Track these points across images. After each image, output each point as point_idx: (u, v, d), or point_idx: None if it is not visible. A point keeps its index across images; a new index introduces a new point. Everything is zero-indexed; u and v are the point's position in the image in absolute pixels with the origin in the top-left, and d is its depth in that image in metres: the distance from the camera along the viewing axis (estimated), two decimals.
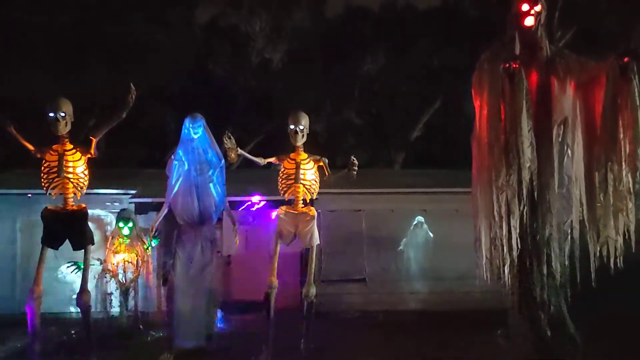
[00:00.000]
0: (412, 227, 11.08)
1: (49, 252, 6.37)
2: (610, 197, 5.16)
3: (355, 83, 21.80)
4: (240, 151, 7.00)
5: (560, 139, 5.72)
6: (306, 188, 6.99)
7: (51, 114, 6.16)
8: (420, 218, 11.05)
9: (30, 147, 6.27)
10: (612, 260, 5.24)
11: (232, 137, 6.87)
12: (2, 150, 15.42)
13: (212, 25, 22.31)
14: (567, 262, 5.64)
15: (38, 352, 6.18)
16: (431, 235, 11.00)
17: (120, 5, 18.53)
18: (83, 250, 6.44)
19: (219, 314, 9.30)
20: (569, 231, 5.61)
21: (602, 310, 7.83)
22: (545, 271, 5.62)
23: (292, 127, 6.93)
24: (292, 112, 7.07)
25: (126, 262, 8.77)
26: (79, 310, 6.47)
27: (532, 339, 5.74)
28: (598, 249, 5.26)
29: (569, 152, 5.62)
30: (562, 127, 5.74)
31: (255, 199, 10.17)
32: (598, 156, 5.22)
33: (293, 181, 6.96)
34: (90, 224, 6.66)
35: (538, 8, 5.75)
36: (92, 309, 6.63)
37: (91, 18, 17.73)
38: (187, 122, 6.95)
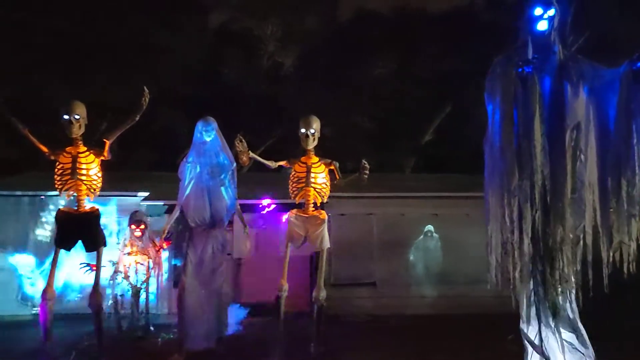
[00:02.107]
0: (421, 236, 11.03)
1: None
2: (624, 203, 5.13)
3: (366, 87, 21.80)
4: (251, 154, 7.03)
5: (573, 144, 5.69)
6: (317, 191, 7.01)
7: (65, 117, 6.24)
8: (430, 227, 11.00)
9: (44, 149, 6.35)
10: (625, 265, 5.20)
11: (243, 140, 6.91)
12: (16, 152, 15.58)
13: (224, 29, 22.40)
14: (579, 268, 5.59)
15: (50, 352, 6.23)
16: (439, 243, 10.96)
17: (133, 9, 18.67)
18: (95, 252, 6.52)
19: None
20: (582, 236, 5.56)
21: (615, 316, 7.78)
22: (557, 276, 5.59)
23: (303, 130, 6.95)
24: (304, 115, 7.09)
25: (138, 264, 8.82)
26: (91, 311, 6.51)
27: (543, 345, 5.70)
28: (611, 254, 5.22)
29: (582, 157, 5.58)
30: (574, 132, 5.71)
31: (265, 202, 10.19)
32: (611, 161, 5.19)
33: (304, 184, 6.98)
34: None
35: (551, 12, 5.73)
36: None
37: (104, 22, 17.89)
38: (199, 126, 6.99)
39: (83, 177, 6.33)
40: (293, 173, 7.12)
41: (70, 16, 17.40)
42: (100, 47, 17.78)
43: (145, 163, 18.58)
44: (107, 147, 6.42)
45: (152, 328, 8.78)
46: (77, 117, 6.26)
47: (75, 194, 6.36)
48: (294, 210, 7.19)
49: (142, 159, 18.85)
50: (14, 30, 16.61)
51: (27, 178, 11.86)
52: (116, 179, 9.87)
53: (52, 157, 6.40)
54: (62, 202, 7.97)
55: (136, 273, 8.81)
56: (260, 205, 10.22)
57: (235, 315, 9.21)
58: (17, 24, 16.64)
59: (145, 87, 6.51)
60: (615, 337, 6.87)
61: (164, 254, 9.47)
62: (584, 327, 5.66)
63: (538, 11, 5.74)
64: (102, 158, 6.48)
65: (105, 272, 7.96)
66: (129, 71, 17.28)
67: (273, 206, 10.46)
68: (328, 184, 7.12)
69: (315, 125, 6.98)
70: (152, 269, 8.91)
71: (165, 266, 9.50)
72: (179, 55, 19.71)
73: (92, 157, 6.41)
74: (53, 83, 16.24)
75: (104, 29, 17.91)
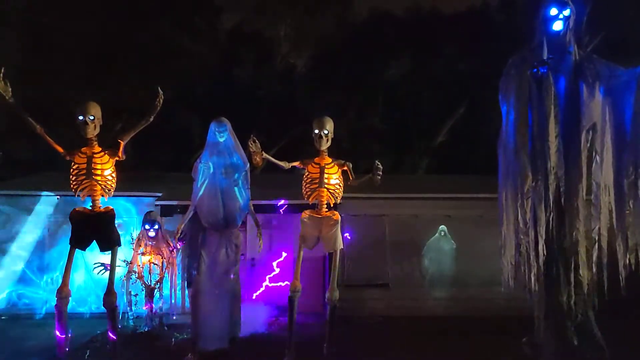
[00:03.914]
0: (435, 236, 10.94)
1: None
2: None
3: (380, 88, 21.78)
4: (265, 155, 7.04)
5: (588, 145, 5.65)
6: (330, 192, 7.01)
7: (80, 117, 6.30)
8: (443, 227, 10.93)
9: (60, 149, 6.41)
10: None
11: (257, 141, 6.92)
12: (32, 152, 15.76)
13: (237, 31, 22.50)
14: (594, 270, 5.55)
15: (65, 351, 6.28)
16: (454, 243, 10.88)
17: (148, 11, 18.81)
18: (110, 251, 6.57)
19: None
20: (597, 238, 5.51)
21: (631, 319, 7.69)
22: (572, 279, 5.55)
23: (316, 131, 6.96)
24: (317, 116, 7.09)
25: (152, 264, 8.88)
26: (105, 310, 6.56)
27: (558, 348, 5.67)
28: (628, 256, 5.17)
29: (597, 158, 5.54)
30: (590, 133, 5.67)
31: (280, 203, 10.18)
32: (627, 163, 5.14)
33: (317, 185, 6.99)
34: None
35: (567, 12, 5.70)
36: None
37: (120, 24, 18.04)
38: (212, 126, 7.01)
39: (98, 178, 6.38)
40: (306, 174, 7.12)
41: (87, 18, 17.56)
42: (116, 48, 17.94)
43: (159, 163, 18.70)
44: (121, 148, 6.46)
45: (165, 328, 8.82)
46: (91, 117, 6.31)
47: (90, 194, 6.42)
48: (307, 211, 7.20)
49: (156, 160, 18.97)
50: (34, 31, 16.81)
51: (45, 178, 11.96)
52: (130, 179, 9.94)
53: (68, 158, 6.46)
54: None
55: (150, 273, 8.87)
56: (278, 204, 10.16)
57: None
58: (37, 25, 16.83)
59: (159, 88, 6.56)
60: (631, 339, 6.79)
61: (178, 254, 9.49)
62: (599, 328, 5.62)
63: (553, 11, 5.71)
64: (117, 158, 6.53)
65: (120, 272, 8.00)
66: (144, 72, 17.42)
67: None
68: (341, 184, 7.12)
69: (329, 126, 6.98)
70: (165, 269, 8.97)
71: (178, 266, 9.51)
72: (193, 56, 19.84)
73: (106, 157, 6.46)
74: (70, 84, 16.39)
75: (121, 31, 18.06)
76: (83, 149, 6.42)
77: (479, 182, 11.06)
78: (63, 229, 9.78)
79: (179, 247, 9.12)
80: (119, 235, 6.74)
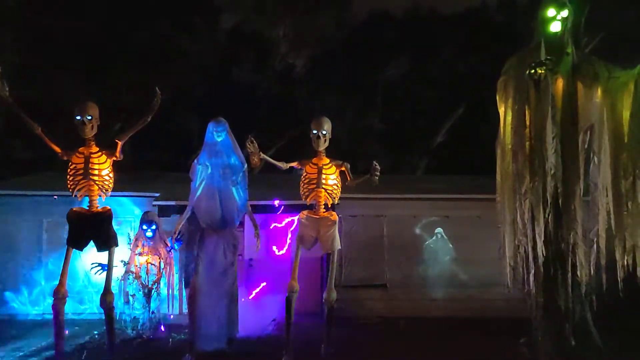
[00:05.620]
0: (432, 238, 10.93)
1: None
2: (638, 205, 5.08)
3: (379, 88, 21.77)
4: (262, 155, 7.03)
5: (586, 146, 5.66)
6: (328, 193, 7.00)
7: (78, 117, 6.29)
8: (439, 230, 10.92)
9: (57, 149, 6.39)
10: (639, 269, 5.14)
11: (255, 141, 6.91)
12: (29, 152, 15.75)
13: (237, 31, 22.48)
14: (592, 271, 5.54)
15: (62, 352, 6.27)
16: (451, 245, 10.86)
17: (147, 11, 18.80)
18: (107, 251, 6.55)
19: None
20: (595, 240, 5.52)
21: (628, 321, 7.68)
22: (570, 280, 5.55)
23: (314, 132, 6.95)
24: (315, 117, 7.08)
25: (149, 264, 8.86)
26: (102, 310, 6.55)
27: (556, 349, 5.66)
28: (626, 258, 5.17)
29: (595, 159, 5.55)
30: (588, 134, 5.68)
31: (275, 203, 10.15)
32: (625, 164, 5.15)
33: (315, 186, 6.97)
34: None
35: (565, 14, 5.70)
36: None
37: (119, 24, 18.03)
38: (210, 126, 7.00)
39: (95, 178, 6.37)
40: (304, 174, 7.11)
41: (86, 18, 17.55)
42: (115, 48, 17.92)
43: (158, 163, 18.68)
44: (119, 148, 6.46)
45: (162, 328, 8.80)
46: (89, 118, 6.30)
47: (87, 194, 6.41)
48: (305, 212, 7.18)
49: (154, 160, 18.94)
50: (32, 30, 16.79)
51: (42, 178, 11.94)
52: (128, 179, 9.91)
53: (65, 158, 6.44)
54: None
55: (147, 273, 8.84)
56: (276, 203, 10.11)
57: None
58: (36, 25, 16.81)
59: (157, 89, 6.54)
60: (628, 341, 6.79)
61: (175, 255, 9.47)
62: (597, 329, 5.62)
63: (551, 12, 5.71)
64: (114, 159, 6.52)
65: (117, 272, 7.98)
66: (143, 72, 17.40)
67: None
68: (339, 185, 7.11)
69: (327, 127, 6.97)
70: (163, 269, 8.94)
71: (176, 266, 9.49)
72: (192, 56, 19.84)
73: (104, 157, 6.45)
74: (68, 83, 16.37)
75: (120, 31, 18.06)
76: (80, 149, 6.41)
77: (476, 182, 11.06)
78: (60, 229, 9.76)
79: (176, 247, 9.10)
80: (116, 235, 6.73)
